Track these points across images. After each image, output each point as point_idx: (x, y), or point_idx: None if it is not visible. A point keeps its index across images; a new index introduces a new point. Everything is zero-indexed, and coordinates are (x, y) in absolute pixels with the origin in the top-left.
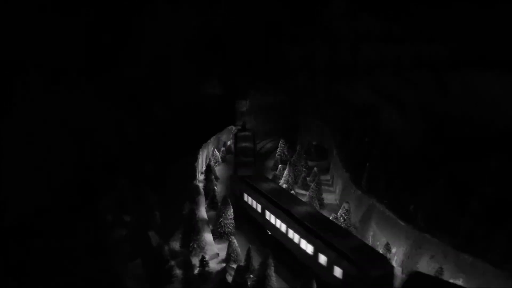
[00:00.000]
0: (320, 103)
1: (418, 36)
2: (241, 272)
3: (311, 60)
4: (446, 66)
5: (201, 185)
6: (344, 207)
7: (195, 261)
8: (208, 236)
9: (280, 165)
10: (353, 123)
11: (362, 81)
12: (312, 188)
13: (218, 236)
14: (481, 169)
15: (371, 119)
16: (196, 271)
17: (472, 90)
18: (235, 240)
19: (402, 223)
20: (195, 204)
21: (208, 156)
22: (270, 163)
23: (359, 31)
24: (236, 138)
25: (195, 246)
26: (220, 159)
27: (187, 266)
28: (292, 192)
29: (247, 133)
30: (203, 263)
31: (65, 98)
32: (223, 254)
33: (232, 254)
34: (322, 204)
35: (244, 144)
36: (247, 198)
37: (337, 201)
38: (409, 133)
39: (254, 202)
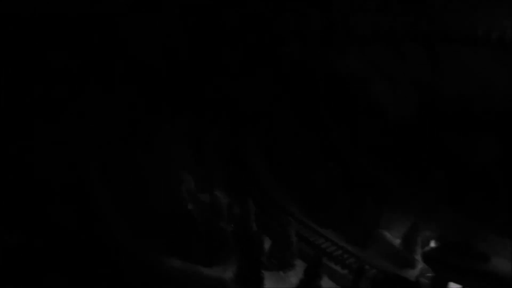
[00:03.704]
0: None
1: (412, 9)
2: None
3: (304, 28)
4: (439, 41)
5: None
6: None
7: None
8: None
9: None
10: (343, 95)
11: (354, 51)
12: None
13: None
14: (472, 144)
15: (361, 90)
16: None
17: (464, 66)
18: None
19: None
20: None
21: None
22: None
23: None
24: None
25: None
26: None
27: None
28: None
29: None
30: None
31: None
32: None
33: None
34: None
35: None
36: None
37: None
38: (400, 106)
39: None
